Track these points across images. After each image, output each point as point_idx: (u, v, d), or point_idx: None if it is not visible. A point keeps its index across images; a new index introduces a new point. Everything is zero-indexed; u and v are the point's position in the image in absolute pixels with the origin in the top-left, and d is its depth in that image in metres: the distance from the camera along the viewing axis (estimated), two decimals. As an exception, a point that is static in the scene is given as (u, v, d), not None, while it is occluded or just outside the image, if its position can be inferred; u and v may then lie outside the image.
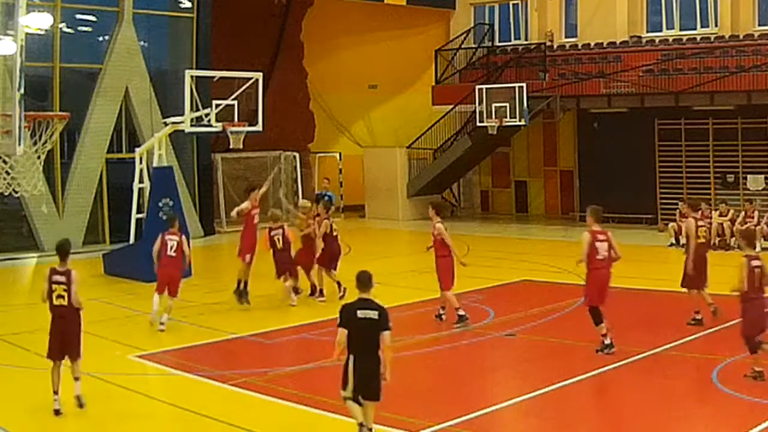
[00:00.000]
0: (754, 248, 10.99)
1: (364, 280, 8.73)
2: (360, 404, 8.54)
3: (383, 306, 8.65)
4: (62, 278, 10.03)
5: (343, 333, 8.55)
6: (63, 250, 10.20)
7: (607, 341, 11.91)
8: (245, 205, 16.15)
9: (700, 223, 14.15)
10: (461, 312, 13.92)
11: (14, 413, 10.02)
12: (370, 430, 8.62)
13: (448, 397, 10.47)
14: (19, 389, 11.03)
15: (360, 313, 8.52)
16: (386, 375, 8.56)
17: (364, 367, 8.49)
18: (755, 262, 10.60)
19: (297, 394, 10.31)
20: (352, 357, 8.53)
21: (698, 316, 13.44)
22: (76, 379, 10.04)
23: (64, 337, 10.05)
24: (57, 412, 9.80)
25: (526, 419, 9.96)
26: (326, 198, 20.30)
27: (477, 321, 14.21)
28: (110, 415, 10.02)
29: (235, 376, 11.24)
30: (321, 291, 16.33)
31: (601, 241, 11.99)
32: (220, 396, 10.56)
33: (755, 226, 21.53)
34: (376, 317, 8.52)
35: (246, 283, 15.69)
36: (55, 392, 9.89)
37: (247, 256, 15.73)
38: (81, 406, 9.94)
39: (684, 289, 13.80)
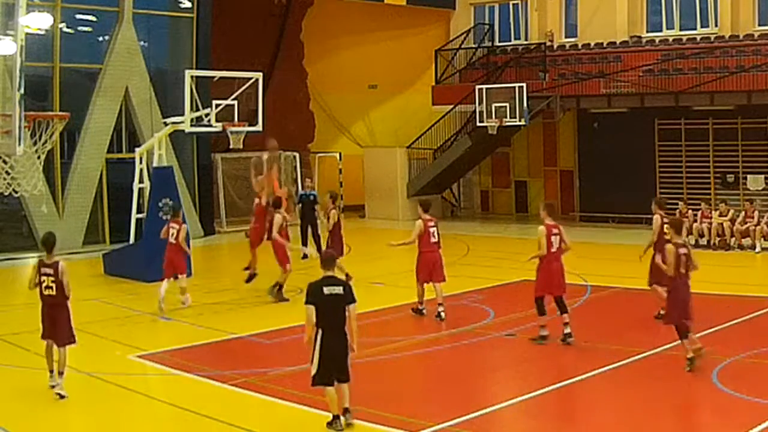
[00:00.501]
0: (681, 236, 11.61)
1: (328, 260, 9.54)
2: (332, 385, 9.11)
3: (347, 282, 9.51)
4: (50, 270, 10.58)
5: (310, 310, 9.09)
6: (48, 243, 10.87)
7: (544, 333, 12.72)
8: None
9: (666, 219, 14.23)
10: (421, 307, 14.61)
11: (14, 413, 10.02)
12: (347, 409, 9.14)
13: (448, 397, 10.47)
14: (19, 389, 11.03)
15: (326, 290, 9.14)
16: (353, 346, 9.20)
17: (332, 346, 9.05)
18: (682, 249, 11.24)
19: (297, 394, 10.30)
20: (320, 333, 9.06)
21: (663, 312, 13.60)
22: (60, 373, 10.42)
23: (53, 322, 10.57)
24: (54, 390, 10.34)
25: (526, 419, 9.96)
26: (311, 197, 20.76)
27: (477, 321, 14.22)
28: (110, 415, 10.02)
29: (235, 376, 11.24)
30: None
31: (555, 234, 12.79)
32: (220, 396, 10.56)
33: (755, 226, 21.57)
34: (342, 292, 9.18)
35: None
36: (51, 371, 10.53)
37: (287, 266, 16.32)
38: (62, 397, 10.30)
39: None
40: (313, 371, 9.13)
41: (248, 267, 17.28)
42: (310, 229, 21.29)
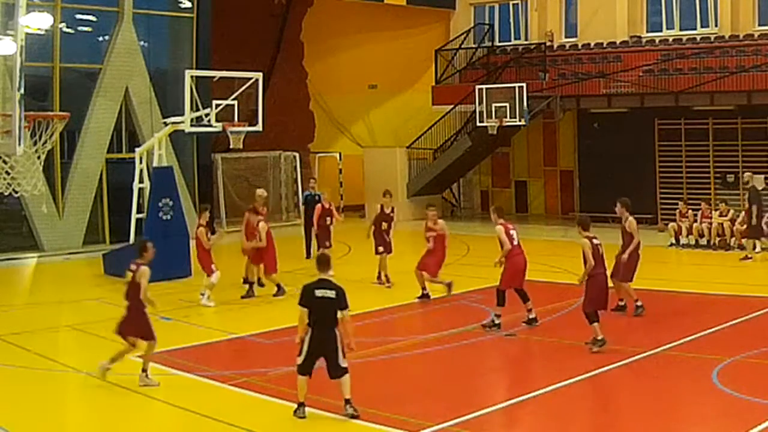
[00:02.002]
0: (589, 231, 12.53)
1: (323, 262, 9.67)
2: (309, 375, 9.54)
3: (341, 286, 9.45)
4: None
5: (303, 311, 9.40)
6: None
7: (498, 321, 13.54)
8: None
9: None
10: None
11: (14, 413, 10.02)
12: (348, 400, 9.41)
13: (448, 397, 10.46)
14: (19, 389, 11.03)
15: (318, 293, 9.35)
16: (351, 345, 9.47)
17: (322, 339, 9.35)
18: (596, 241, 12.36)
19: (297, 394, 10.29)
20: (310, 331, 9.39)
21: (621, 303, 14.53)
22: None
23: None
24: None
25: (525, 419, 9.96)
26: (316, 198, 20.77)
27: (477, 321, 14.21)
28: (110, 415, 10.02)
29: (235, 376, 11.24)
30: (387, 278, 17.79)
31: (512, 229, 13.87)
32: (220, 396, 10.56)
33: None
34: (334, 296, 9.36)
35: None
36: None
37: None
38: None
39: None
40: (299, 361, 9.53)
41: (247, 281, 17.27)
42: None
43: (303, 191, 24.28)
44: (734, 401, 9.83)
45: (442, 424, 9.22)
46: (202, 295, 16.15)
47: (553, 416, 9.84)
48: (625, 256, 14.32)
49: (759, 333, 12.99)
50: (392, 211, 18.14)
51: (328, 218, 19.24)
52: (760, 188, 23.14)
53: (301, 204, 22.94)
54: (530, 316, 13.71)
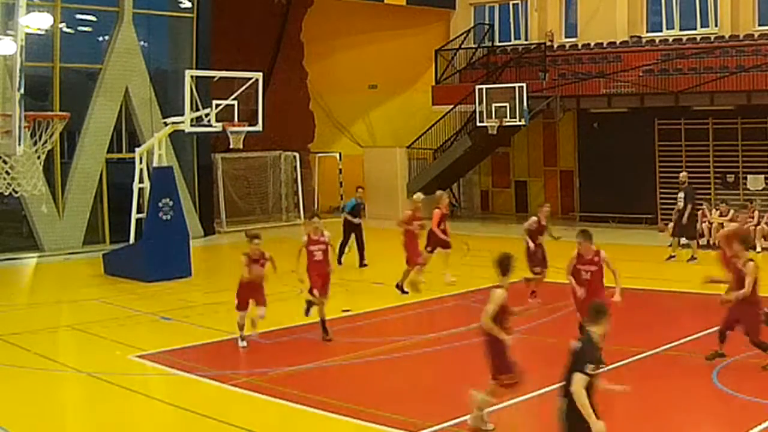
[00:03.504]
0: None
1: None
2: None
3: None
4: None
5: None
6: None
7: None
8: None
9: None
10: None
11: (14, 413, 10.02)
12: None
13: (448, 397, 10.45)
14: (19, 389, 11.03)
15: None
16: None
17: None
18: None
19: (297, 394, 10.31)
20: None
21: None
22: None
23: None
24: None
25: (526, 419, 9.96)
26: (362, 207, 20.91)
27: (477, 321, 14.18)
28: (110, 415, 10.02)
29: (235, 376, 11.24)
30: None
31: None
32: (220, 396, 10.56)
33: (755, 226, 21.55)
34: None
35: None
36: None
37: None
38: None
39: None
40: None
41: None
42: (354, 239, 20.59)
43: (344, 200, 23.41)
44: (734, 401, 9.83)
45: (442, 424, 9.22)
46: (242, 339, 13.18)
47: (553, 416, 9.83)
48: (731, 299, 11.80)
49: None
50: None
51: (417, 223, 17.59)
52: (760, 188, 23.18)
53: (343, 211, 21.30)
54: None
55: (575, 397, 7.26)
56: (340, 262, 19.41)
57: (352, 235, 20.50)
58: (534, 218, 16.67)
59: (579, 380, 7.29)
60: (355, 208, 20.85)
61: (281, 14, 32.07)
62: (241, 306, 12.88)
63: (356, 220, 20.52)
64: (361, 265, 20.11)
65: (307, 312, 13.71)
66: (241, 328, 12.92)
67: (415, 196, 18.29)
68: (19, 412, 10.06)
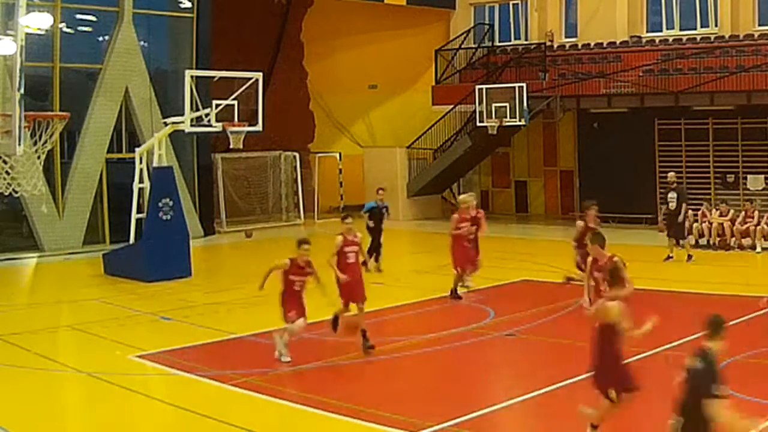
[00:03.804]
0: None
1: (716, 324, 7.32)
2: None
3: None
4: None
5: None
6: None
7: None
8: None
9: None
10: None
11: (14, 413, 10.01)
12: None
13: (448, 397, 10.45)
14: (19, 389, 11.03)
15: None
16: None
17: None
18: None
19: (297, 394, 10.31)
20: None
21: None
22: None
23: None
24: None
25: (526, 419, 9.96)
26: (384, 210, 19.92)
27: (477, 321, 14.22)
28: (110, 415, 10.02)
29: (235, 376, 11.23)
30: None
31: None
32: (220, 396, 10.55)
33: (755, 226, 21.56)
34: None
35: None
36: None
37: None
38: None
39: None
40: None
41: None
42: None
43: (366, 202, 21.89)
44: (734, 401, 9.82)
45: (442, 424, 9.21)
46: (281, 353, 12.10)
47: (553, 416, 9.84)
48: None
49: (759, 333, 12.98)
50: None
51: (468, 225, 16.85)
52: (760, 188, 23.17)
53: (363, 212, 20.20)
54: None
55: (719, 422, 6.82)
56: (378, 269, 18.92)
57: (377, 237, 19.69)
58: (581, 223, 16.08)
59: (717, 406, 6.81)
60: (372, 210, 19.96)
61: (281, 14, 32.09)
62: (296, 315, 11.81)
63: (370, 223, 19.62)
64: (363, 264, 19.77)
65: (334, 327, 12.68)
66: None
67: (461, 198, 17.66)
68: (19, 412, 10.06)
